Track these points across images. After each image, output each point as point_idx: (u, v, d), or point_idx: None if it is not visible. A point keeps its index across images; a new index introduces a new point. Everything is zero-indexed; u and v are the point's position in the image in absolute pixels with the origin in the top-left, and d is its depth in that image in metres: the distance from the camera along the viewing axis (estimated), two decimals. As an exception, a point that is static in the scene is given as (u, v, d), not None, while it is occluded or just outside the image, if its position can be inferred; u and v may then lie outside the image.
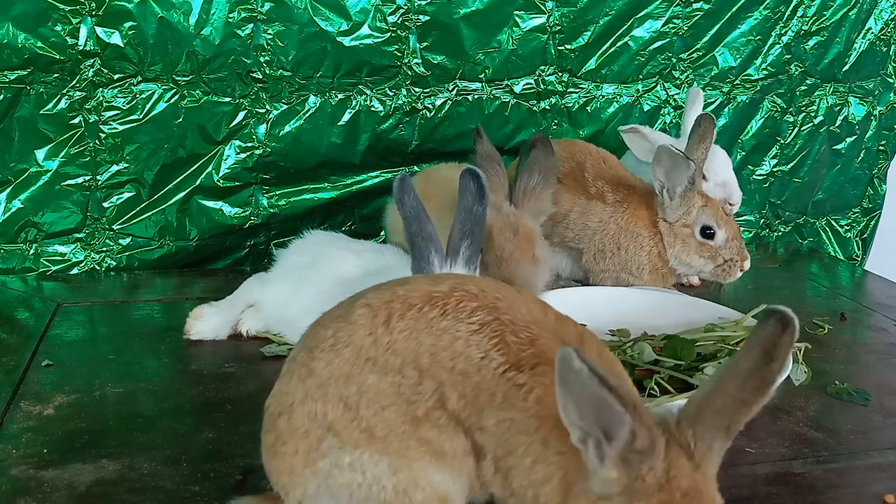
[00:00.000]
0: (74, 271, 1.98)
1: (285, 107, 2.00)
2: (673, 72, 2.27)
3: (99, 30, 1.82)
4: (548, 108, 2.20)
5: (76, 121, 1.88)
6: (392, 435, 0.86)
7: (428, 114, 2.10)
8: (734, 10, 2.24)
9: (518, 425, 0.84)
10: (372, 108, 2.06)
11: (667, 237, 1.80)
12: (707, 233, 1.75)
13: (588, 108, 2.24)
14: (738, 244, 1.76)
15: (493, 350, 0.85)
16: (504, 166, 1.63)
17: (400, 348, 0.86)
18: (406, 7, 1.98)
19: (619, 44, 2.19)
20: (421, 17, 2.00)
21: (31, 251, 1.95)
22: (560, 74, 2.18)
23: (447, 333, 0.86)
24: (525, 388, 0.84)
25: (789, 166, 2.50)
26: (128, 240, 2.01)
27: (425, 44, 2.03)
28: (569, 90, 2.21)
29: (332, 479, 0.86)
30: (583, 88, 2.22)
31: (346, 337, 0.88)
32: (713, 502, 0.76)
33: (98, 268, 2.01)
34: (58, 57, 1.81)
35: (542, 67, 2.15)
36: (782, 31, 2.31)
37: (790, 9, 2.29)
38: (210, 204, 2.04)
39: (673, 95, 2.29)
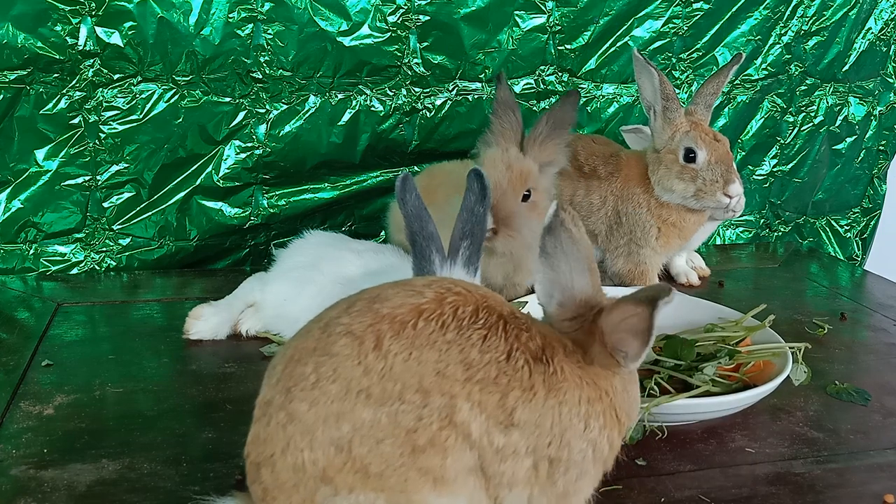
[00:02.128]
0: (74, 271, 1.99)
1: (285, 107, 2.00)
2: (673, 72, 2.27)
3: (99, 30, 1.82)
4: (548, 108, 2.20)
5: (76, 121, 1.88)
6: (389, 469, 0.81)
7: (428, 114, 2.10)
8: (734, 10, 2.24)
9: (568, 403, 0.87)
10: (372, 108, 2.06)
11: (652, 166, 1.81)
12: (690, 156, 1.76)
13: (588, 108, 2.24)
14: (723, 168, 1.74)
15: (514, 351, 0.85)
16: (520, 115, 1.63)
17: (398, 372, 0.81)
18: (406, 7, 1.98)
19: (619, 44, 2.19)
20: (421, 17, 2.00)
21: (31, 251, 1.95)
22: (560, 74, 2.18)
23: (455, 345, 0.83)
24: (556, 371, 0.87)
25: (789, 166, 2.50)
26: (128, 240, 2.01)
27: (425, 44, 2.03)
28: (569, 90, 2.21)
29: None
30: (583, 88, 2.22)
31: (329, 372, 0.81)
32: None
33: (98, 268, 2.01)
34: (58, 57, 1.81)
35: (542, 67, 2.16)
36: (782, 31, 2.31)
37: (790, 9, 2.29)
38: (210, 204, 2.04)
39: (673, 95, 2.29)
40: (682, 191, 1.78)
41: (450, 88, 2.10)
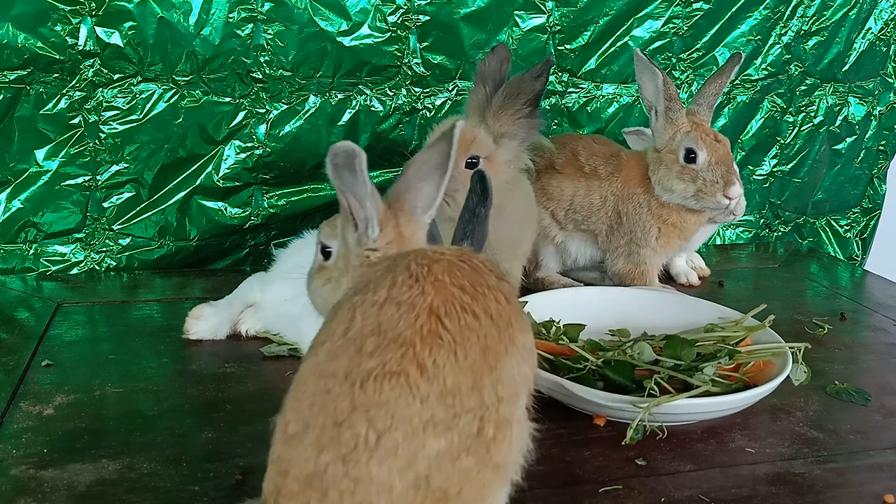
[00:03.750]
0: (74, 271, 1.99)
1: (285, 107, 2.00)
2: (673, 72, 2.27)
3: (99, 30, 1.82)
4: (548, 108, 2.20)
5: (76, 121, 1.88)
6: (468, 483, 0.77)
7: (428, 114, 2.10)
8: (734, 10, 2.24)
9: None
10: (372, 108, 2.06)
11: (652, 166, 1.81)
12: (690, 156, 1.76)
13: (588, 108, 2.24)
14: (723, 169, 1.75)
15: (501, 278, 0.87)
16: (493, 87, 1.62)
17: (451, 382, 0.77)
18: (406, 7, 1.98)
19: (619, 44, 2.19)
20: (421, 17, 2.00)
21: (31, 251, 1.95)
22: (560, 74, 2.18)
23: (484, 316, 0.81)
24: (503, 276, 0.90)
25: (789, 166, 2.50)
26: (128, 240, 2.01)
27: (425, 44, 2.03)
28: (569, 90, 2.21)
29: None
30: (583, 88, 2.22)
31: (388, 421, 0.75)
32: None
33: (98, 268, 2.01)
34: (58, 57, 1.81)
35: (542, 67, 2.15)
36: (782, 31, 2.31)
37: (790, 9, 2.29)
38: (210, 204, 2.04)
39: (673, 95, 2.29)
40: (682, 191, 1.78)
41: (450, 88, 2.10)
